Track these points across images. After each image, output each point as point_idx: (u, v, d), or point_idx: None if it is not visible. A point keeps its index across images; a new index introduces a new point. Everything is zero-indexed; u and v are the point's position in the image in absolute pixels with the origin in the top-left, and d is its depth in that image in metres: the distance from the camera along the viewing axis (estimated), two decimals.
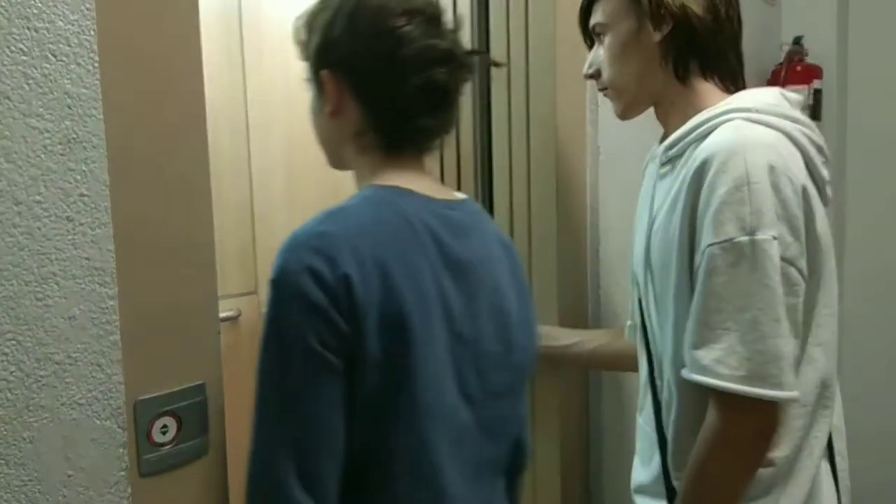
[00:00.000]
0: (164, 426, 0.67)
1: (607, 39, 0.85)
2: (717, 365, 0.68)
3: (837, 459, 0.82)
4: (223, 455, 0.74)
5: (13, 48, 0.58)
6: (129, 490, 0.66)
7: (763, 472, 0.73)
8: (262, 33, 1.78)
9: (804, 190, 0.70)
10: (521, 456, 0.75)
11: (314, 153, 1.88)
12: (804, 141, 0.73)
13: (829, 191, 0.78)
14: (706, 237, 0.69)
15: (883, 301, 2.07)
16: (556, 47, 1.16)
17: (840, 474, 0.82)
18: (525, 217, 1.21)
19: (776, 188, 0.68)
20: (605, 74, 0.86)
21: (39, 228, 0.59)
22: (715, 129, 0.74)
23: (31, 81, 0.58)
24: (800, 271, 0.70)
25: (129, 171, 0.65)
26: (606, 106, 1.28)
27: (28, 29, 0.58)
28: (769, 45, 1.95)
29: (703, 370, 0.69)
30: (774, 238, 0.67)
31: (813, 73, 1.87)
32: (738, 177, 0.68)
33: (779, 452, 0.74)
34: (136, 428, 0.66)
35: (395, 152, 0.68)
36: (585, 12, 0.87)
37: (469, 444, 0.66)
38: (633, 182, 1.37)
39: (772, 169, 0.68)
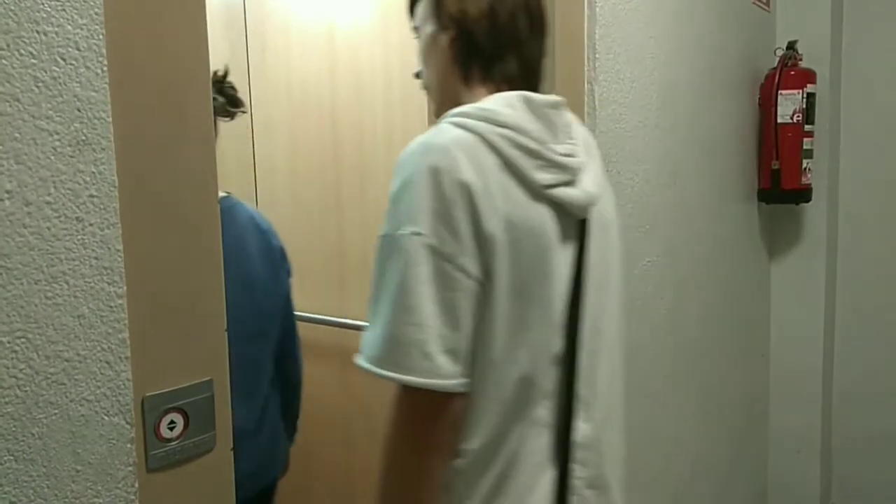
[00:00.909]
0: (172, 422, 0.68)
1: (419, 42, 0.89)
2: (365, 346, 0.74)
3: (574, 482, 0.81)
4: (230, 450, 0.75)
5: (23, 52, 0.59)
6: (137, 485, 0.67)
7: (458, 462, 0.77)
8: (266, 34, 1.80)
9: (470, 191, 0.72)
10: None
11: (318, 153, 1.89)
12: (503, 144, 0.75)
13: (560, 192, 0.79)
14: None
15: (875, 302, 2.09)
16: (554, 53, 1.17)
17: (576, 492, 0.81)
18: None
19: (435, 189, 0.71)
20: (422, 75, 0.90)
21: (49, 228, 0.60)
22: None
23: (40, 84, 0.59)
24: (459, 268, 0.72)
25: (137, 172, 0.67)
26: (605, 112, 1.30)
27: (37, 33, 0.59)
28: (763, 49, 1.97)
29: (360, 350, 0.74)
30: (417, 234, 0.71)
31: (807, 77, 1.89)
32: (405, 176, 0.73)
33: (469, 445, 0.76)
34: (143, 424, 0.67)
35: None
36: (411, 14, 0.91)
37: None
38: (628, 184, 1.39)
39: (435, 171, 0.71)
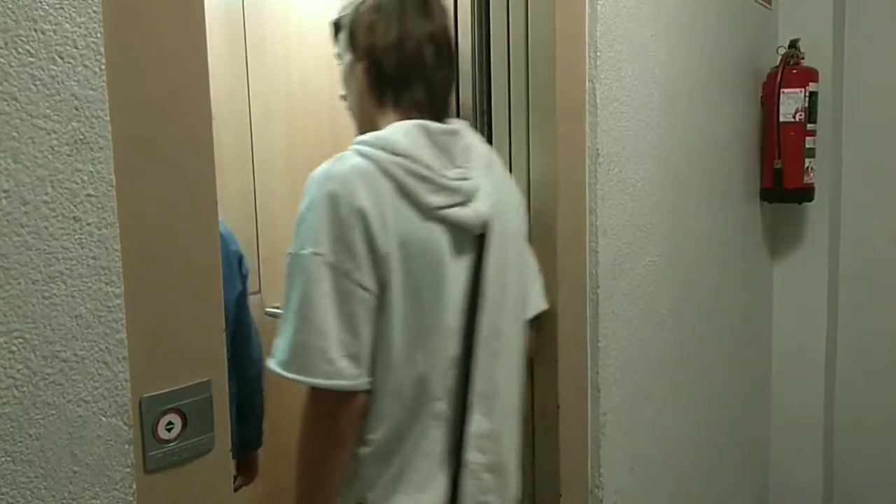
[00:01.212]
0: (170, 423, 0.68)
1: (341, 68, 0.99)
2: (276, 352, 0.84)
3: (467, 473, 0.91)
4: (228, 451, 0.75)
5: (20, 50, 0.58)
6: (135, 486, 0.66)
7: (362, 450, 0.88)
8: (265, 33, 1.79)
9: (365, 216, 0.82)
10: None
11: (316, 149, 1.89)
12: (397, 171, 0.84)
13: (452, 212, 0.88)
14: None
15: (878, 301, 2.09)
16: (555, 51, 1.17)
17: (468, 484, 0.91)
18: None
19: (332, 213, 0.82)
20: (346, 98, 1.00)
21: (46, 228, 0.60)
22: None
23: (38, 83, 0.59)
24: (356, 282, 0.82)
25: (135, 171, 0.66)
26: (605, 109, 1.30)
27: (35, 31, 0.59)
28: (765, 48, 1.96)
29: (271, 355, 0.85)
30: (318, 254, 0.81)
31: (809, 76, 1.88)
32: (307, 202, 0.84)
33: (373, 435, 0.88)
34: (141, 425, 0.67)
35: None
36: (335, 41, 1.00)
37: None
38: (631, 183, 1.39)
39: (332, 197, 0.82)
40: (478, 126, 1.24)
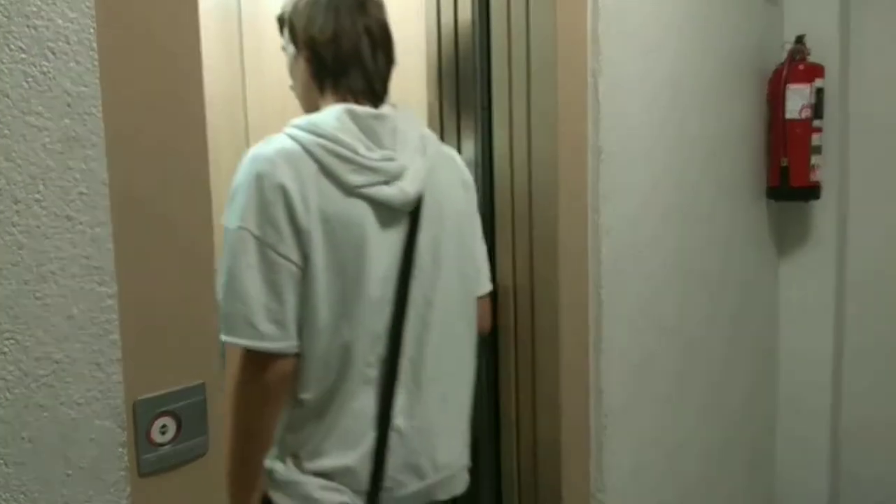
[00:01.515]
0: (164, 426, 0.67)
1: (287, 59, 1.07)
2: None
3: (394, 436, 0.99)
4: (222, 455, 0.74)
5: (12, 46, 0.57)
6: (129, 489, 0.66)
7: (298, 410, 0.96)
8: (262, 33, 1.78)
9: (287, 194, 0.90)
10: None
11: None
12: (320, 153, 0.92)
13: (374, 191, 0.95)
14: None
15: (886, 299, 2.07)
16: (557, 47, 1.15)
17: (395, 446, 0.98)
18: (526, 217, 1.20)
19: (258, 192, 0.90)
20: (294, 87, 1.08)
21: (38, 227, 0.59)
22: None
23: (30, 79, 0.58)
24: (280, 254, 0.90)
25: (128, 169, 0.65)
26: (608, 106, 1.28)
27: (27, 27, 0.58)
28: (771, 43, 1.94)
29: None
30: (244, 228, 0.89)
31: (815, 71, 1.86)
32: (237, 180, 0.92)
33: (305, 395, 0.95)
34: (135, 428, 0.66)
35: None
36: (280, 34, 1.08)
37: None
38: (633, 181, 1.37)
39: (259, 177, 0.90)
40: (478, 123, 1.23)
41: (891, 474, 2.09)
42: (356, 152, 0.94)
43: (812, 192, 1.91)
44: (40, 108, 0.59)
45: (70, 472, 0.62)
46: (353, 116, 0.96)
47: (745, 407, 1.95)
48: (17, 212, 0.58)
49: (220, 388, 0.78)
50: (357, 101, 1.00)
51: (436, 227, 1.01)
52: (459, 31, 1.24)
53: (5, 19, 0.57)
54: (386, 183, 0.96)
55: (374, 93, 1.02)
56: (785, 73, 1.84)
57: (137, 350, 0.66)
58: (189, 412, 0.69)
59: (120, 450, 0.65)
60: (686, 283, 1.58)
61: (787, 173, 1.86)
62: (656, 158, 1.43)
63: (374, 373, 0.97)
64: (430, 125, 1.33)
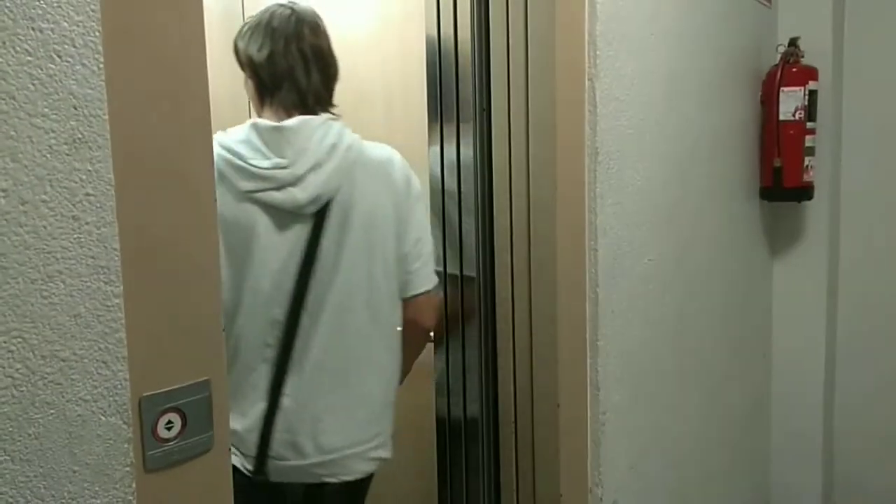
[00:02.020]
0: (170, 422, 0.68)
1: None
2: None
3: (279, 413, 1.13)
4: (228, 451, 0.75)
5: (18, 49, 0.58)
6: (135, 485, 0.66)
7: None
8: None
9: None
10: None
11: None
12: (219, 162, 1.05)
13: (265, 196, 1.10)
14: None
15: (878, 300, 2.09)
16: (555, 50, 1.17)
17: (279, 423, 1.14)
18: (524, 218, 1.21)
19: None
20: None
21: (45, 227, 0.60)
22: None
23: (36, 82, 0.59)
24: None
25: (134, 170, 0.66)
26: (605, 108, 1.29)
27: (33, 30, 0.59)
28: (765, 46, 1.96)
29: None
30: None
31: (809, 74, 1.88)
32: None
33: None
34: (141, 424, 0.67)
35: None
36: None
37: None
38: (631, 182, 1.39)
39: None
40: (477, 125, 1.24)
41: (884, 472, 2.11)
42: (246, 161, 1.08)
43: (805, 192, 1.92)
44: (46, 110, 0.59)
45: (76, 468, 0.62)
46: (256, 129, 1.11)
47: (740, 403, 1.97)
48: (25, 212, 0.58)
49: None
50: (289, 114, 1.14)
51: (340, 230, 1.14)
52: (458, 34, 1.25)
53: (11, 22, 0.58)
54: (277, 189, 1.09)
55: (307, 106, 1.16)
56: (779, 75, 1.86)
57: (143, 347, 0.67)
58: (194, 408, 0.69)
59: (126, 446, 0.66)
60: (682, 282, 1.59)
61: (780, 174, 1.88)
62: (652, 159, 1.45)
63: (271, 353, 1.13)
64: (430, 127, 1.34)
